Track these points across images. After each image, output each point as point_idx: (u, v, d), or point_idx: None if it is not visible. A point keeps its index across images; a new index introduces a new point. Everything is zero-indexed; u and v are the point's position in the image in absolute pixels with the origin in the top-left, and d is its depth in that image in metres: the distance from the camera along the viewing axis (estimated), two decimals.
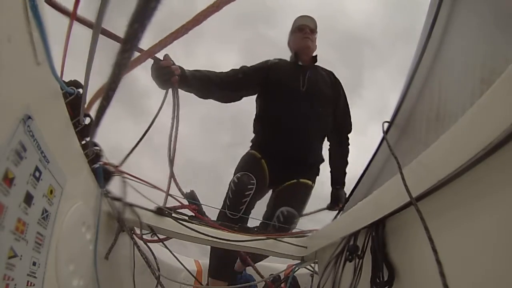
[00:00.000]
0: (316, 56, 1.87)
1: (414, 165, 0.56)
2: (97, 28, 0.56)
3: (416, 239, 0.62)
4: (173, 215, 1.16)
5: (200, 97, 1.59)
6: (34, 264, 0.49)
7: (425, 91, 0.81)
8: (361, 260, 0.71)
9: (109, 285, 0.95)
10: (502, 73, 0.39)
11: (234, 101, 1.77)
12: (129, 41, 0.40)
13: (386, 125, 1.01)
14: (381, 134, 1.03)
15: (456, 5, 0.76)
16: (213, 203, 1.53)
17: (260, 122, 1.84)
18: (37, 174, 0.48)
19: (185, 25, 0.76)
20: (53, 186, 0.55)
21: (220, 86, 1.60)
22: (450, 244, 0.49)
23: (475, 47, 0.65)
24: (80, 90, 0.77)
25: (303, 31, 1.81)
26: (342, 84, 1.91)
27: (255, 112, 1.86)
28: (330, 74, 1.92)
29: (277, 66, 1.82)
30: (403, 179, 0.53)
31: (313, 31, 1.84)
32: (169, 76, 1.29)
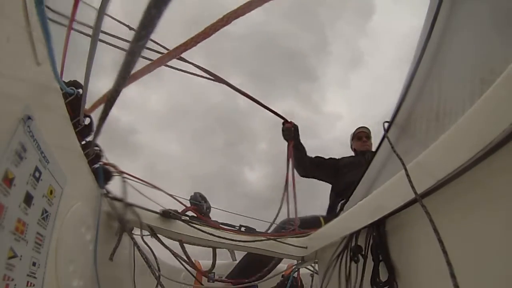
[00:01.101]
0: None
1: (414, 165, 0.56)
2: (97, 29, 0.56)
3: (416, 239, 0.62)
4: (182, 217, 1.16)
5: (296, 159, 2.04)
6: (34, 264, 0.49)
7: (425, 91, 0.80)
8: (365, 260, 0.71)
9: (109, 285, 0.95)
10: (502, 73, 0.39)
11: (307, 176, 2.31)
12: (145, 27, 0.38)
13: (386, 125, 1.01)
14: (381, 134, 1.03)
15: (456, 5, 0.76)
16: (235, 205, 1.59)
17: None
18: (37, 174, 0.48)
19: (194, 37, 0.78)
20: (53, 186, 0.55)
21: (309, 161, 2.25)
22: (451, 244, 0.49)
23: (475, 47, 0.65)
24: (80, 91, 0.77)
25: (362, 139, 2.39)
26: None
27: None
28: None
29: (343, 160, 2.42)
30: (408, 177, 0.52)
31: (369, 136, 2.39)
32: (289, 137, 1.95)
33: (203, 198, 1.63)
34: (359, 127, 2.50)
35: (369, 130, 2.47)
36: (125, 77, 0.50)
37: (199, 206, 1.55)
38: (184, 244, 1.20)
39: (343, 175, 2.27)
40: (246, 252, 1.68)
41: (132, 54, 0.44)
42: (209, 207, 1.61)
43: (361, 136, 2.41)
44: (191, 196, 1.53)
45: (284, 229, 1.63)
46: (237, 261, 2.01)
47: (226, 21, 0.77)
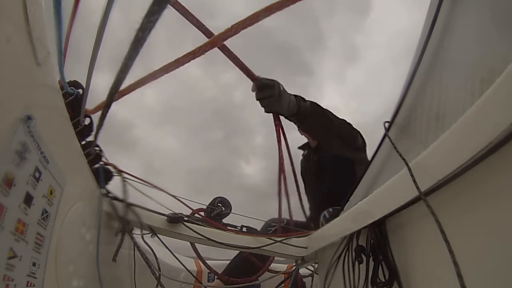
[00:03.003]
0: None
1: (413, 165, 0.56)
2: (101, 29, 0.56)
3: (417, 239, 0.62)
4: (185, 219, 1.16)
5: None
6: (34, 264, 0.49)
7: (425, 90, 0.80)
8: (368, 260, 0.71)
9: (109, 285, 0.95)
10: (502, 73, 0.39)
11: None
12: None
13: (387, 125, 1.01)
14: (380, 133, 1.03)
15: (456, 5, 0.76)
16: (232, 199, 1.63)
17: None
18: (37, 174, 0.48)
19: (203, 46, 0.79)
20: (53, 186, 0.55)
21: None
22: (451, 244, 0.49)
23: (476, 46, 0.65)
24: (80, 91, 0.77)
25: None
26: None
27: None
28: None
29: None
30: (412, 176, 0.52)
31: None
32: (270, 108, 1.19)
33: (224, 203, 1.68)
34: None
35: None
36: (124, 75, 0.50)
37: (211, 210, 1.60)
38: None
39: None
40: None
41: (135, 47, 0.44)
42: (226, 213, 1.65)
43: None
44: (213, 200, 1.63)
45: (272, 227, 1.62)
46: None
47: (234, 31, 0.78)
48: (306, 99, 1.32)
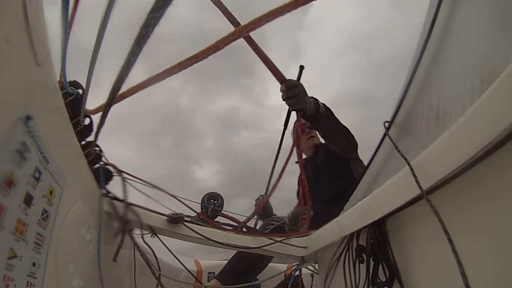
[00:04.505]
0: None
1: (413, 164, 0.56)
2: (102, 28, 0.56)
3: (417, 239, 0.62)
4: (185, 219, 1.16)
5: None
6: (34, 264, 0.49)
7: (425, 90, 0.80)
8: (368, 260, 0.71)
9: (109, 285, 0.95)
10: (502, 73, 0.39)
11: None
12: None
13: (387, 124, 1.01)
14: (380, 133, 1.03)
15: (456, 5, 0.76)
16: (192, 204, 1.60)
17: None
18: (36, 174, 0.48)
19: (205, 50, 0.79)
20: (53, 186, 0.55)
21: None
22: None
23: (476, 46, 0.65)
24: (80, 91, 0.77)
25: (305, 132, 2.02)
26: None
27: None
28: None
29: None
30: (415, 176, 0.52)
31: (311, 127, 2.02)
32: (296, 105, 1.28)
33: (213, 196, 1.72)
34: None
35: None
36: (127, 72, 0.50)
37: (206, 208, 1.62)
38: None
39: None
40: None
41: (139, 41, 0.43)
42: (221, 204, 1.69)
43: (304, 128, 2.03)
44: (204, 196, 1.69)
45: (270, 226, 1.66)
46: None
47: (237, 36, 0.79)
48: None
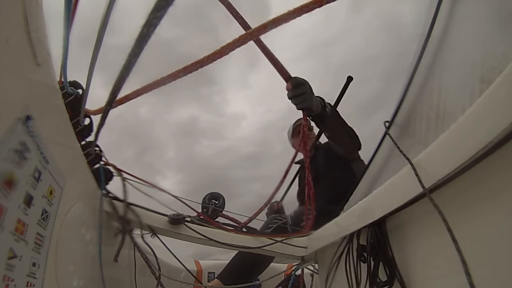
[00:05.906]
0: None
1: (414, 164, 0.56)
2: (102, 29, 0.56)
3: (417, 238, 0.62)
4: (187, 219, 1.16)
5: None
6: (34, 264, 0.49)
7: (425, 90, 0.80)
8: (369, 259, 0.71)
9: (109, 285, 0.95)
10: (502, 72, 0.39)
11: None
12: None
13: (387, 124, 1.01)
14: (380, 134, 1.03)
15: (456, 5, 0.76)
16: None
17: None
18: (36, 174, 0.48)
19: (211, 55, 0.80)
20: (53, 186, 0.55)
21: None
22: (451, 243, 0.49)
23: (476, 46, 0.65)
24: (80, 91, 0.77)
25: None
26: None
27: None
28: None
29: None
30: (417, 176, 0.52)
31: (311, 128, 1.99)
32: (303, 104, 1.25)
33: (214, 196, 1.73)
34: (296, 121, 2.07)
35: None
36: (128, 72, 0.50)
37: (206, 208, 1.63)
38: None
39: None
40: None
41: (140, 42, 0.43)
42: (221, 206, 1.70)
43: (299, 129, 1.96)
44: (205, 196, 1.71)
45: (273, 225, 1.66)
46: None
47: (242, 42, 0.81)
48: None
